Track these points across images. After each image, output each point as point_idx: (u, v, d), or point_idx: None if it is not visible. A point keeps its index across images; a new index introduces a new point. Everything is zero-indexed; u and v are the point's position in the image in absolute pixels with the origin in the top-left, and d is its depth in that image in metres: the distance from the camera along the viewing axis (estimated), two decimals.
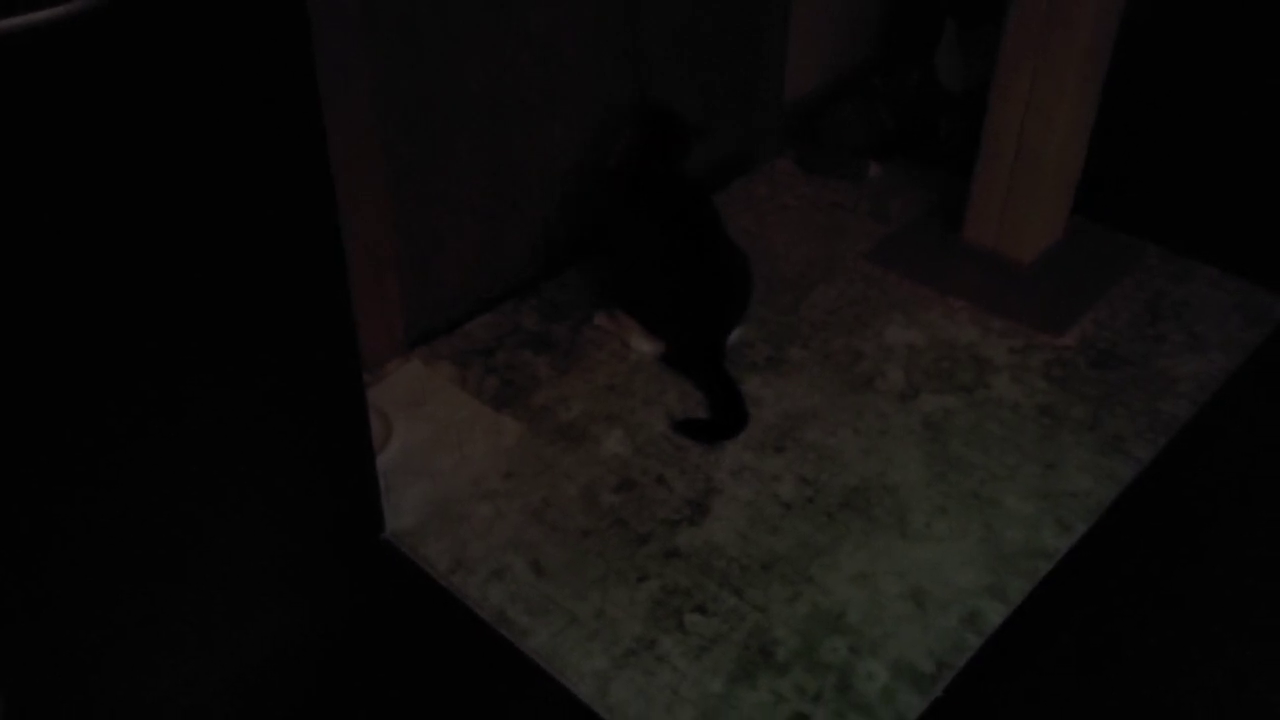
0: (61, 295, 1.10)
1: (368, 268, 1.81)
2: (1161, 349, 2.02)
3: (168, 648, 1.38)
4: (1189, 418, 1.88)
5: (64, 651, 1.27)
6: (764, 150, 2.51)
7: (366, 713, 1.47)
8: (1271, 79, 2.47)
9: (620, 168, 2.00)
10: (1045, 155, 2.05)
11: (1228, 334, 2.05)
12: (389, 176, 1.81)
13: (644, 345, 1.98)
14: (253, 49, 1.16)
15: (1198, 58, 2.47)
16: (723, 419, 1.86)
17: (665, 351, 1.96)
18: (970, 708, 1.47)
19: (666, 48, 2.18)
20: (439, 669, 1.52)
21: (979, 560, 1.64)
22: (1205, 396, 1.92)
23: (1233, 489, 1.78)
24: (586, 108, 2.09)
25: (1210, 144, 2.54)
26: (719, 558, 1.64)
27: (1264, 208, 2.39)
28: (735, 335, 1.99)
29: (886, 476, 1.77)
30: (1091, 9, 1.90)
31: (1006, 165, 2.10)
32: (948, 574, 1.62)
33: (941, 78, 2.45)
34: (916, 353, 2.01)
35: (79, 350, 1.14)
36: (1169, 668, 1.53)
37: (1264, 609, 1.60)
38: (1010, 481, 1.76)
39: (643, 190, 1.96)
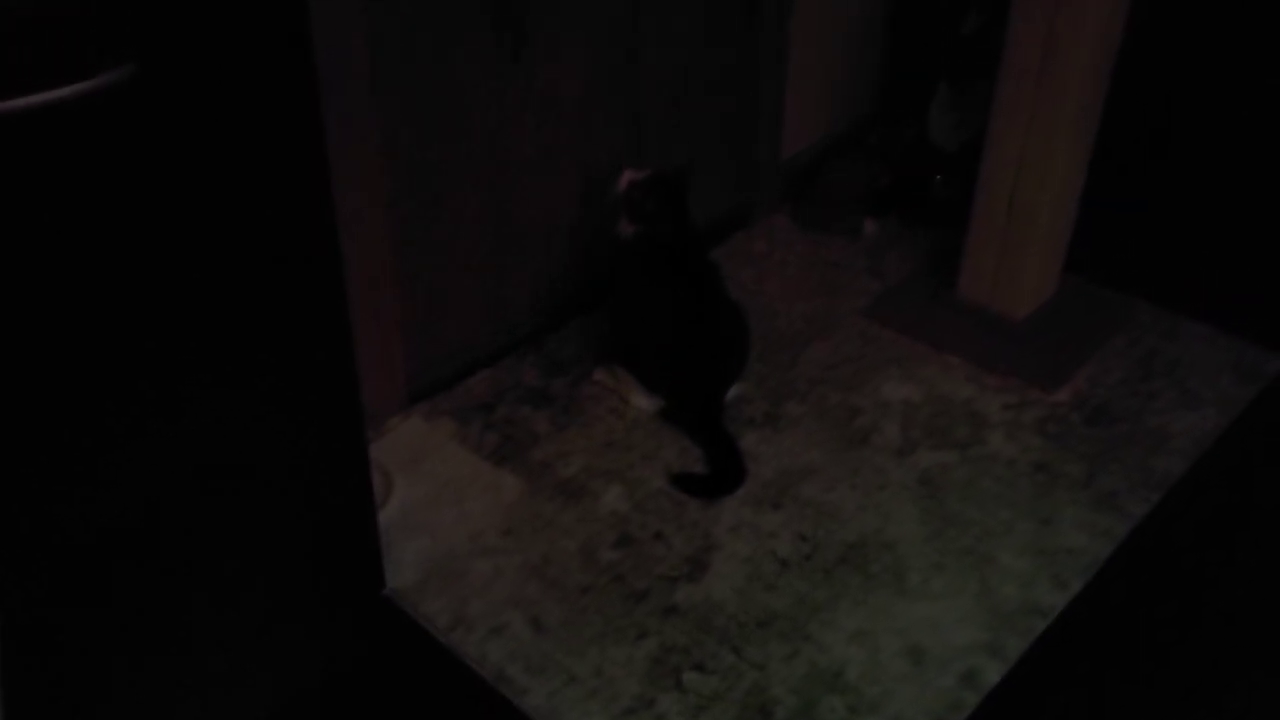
0: (68, 356, 1.12)
1: (370, 324, 1.84)
2: (1154, 405, 2.04)
3: (166, 700, 1.39)
4: (1182, 474, 1.89)
5: (57, 707, 1.28)
6: (762, 207, 2.54)
7: None
8: (1257, 137, 2.52)
9: (625, 230, 2.01)
10: (1037, 213, 2.08)
11: (1220, 391, 2.07)
12: (392, 231, 1.84)
13: (642, 401, 1.99)
14: (263, 109, 1.19)
15: (1185, 115, 2.52)
16: (721, 475, 1.87)
17: (664, 407, 1.98)
18: None
19: (665, 104, 2.22)
20: None
21: (976, 617, 1.65)
22: (1198, 453, 1.94)
23: (1226, 545, 1.80)
24: (586, 164, 2.12)
25: (1200, 202, 2.58)
26: (717, 615, 1.65)
27: (1254, 265, 2.42)
28: (733, 391, 2.00)
29: (884, 533, 1.78)
30: (1081, 70, 1.94)
31: (999, 223, 2.13)
32: (945, 631, 1.63)
33: (935, 136, 2.49)
34: (913, 408, 2.03)
35: (81, 408, 1.16)
36: None
37: (1257, 665, 1.60)
38: (1006, 538, 1.77)
39: (646, 249, 1.98)
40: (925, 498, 1.84)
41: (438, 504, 1.81)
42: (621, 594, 1.68)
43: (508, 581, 1.70)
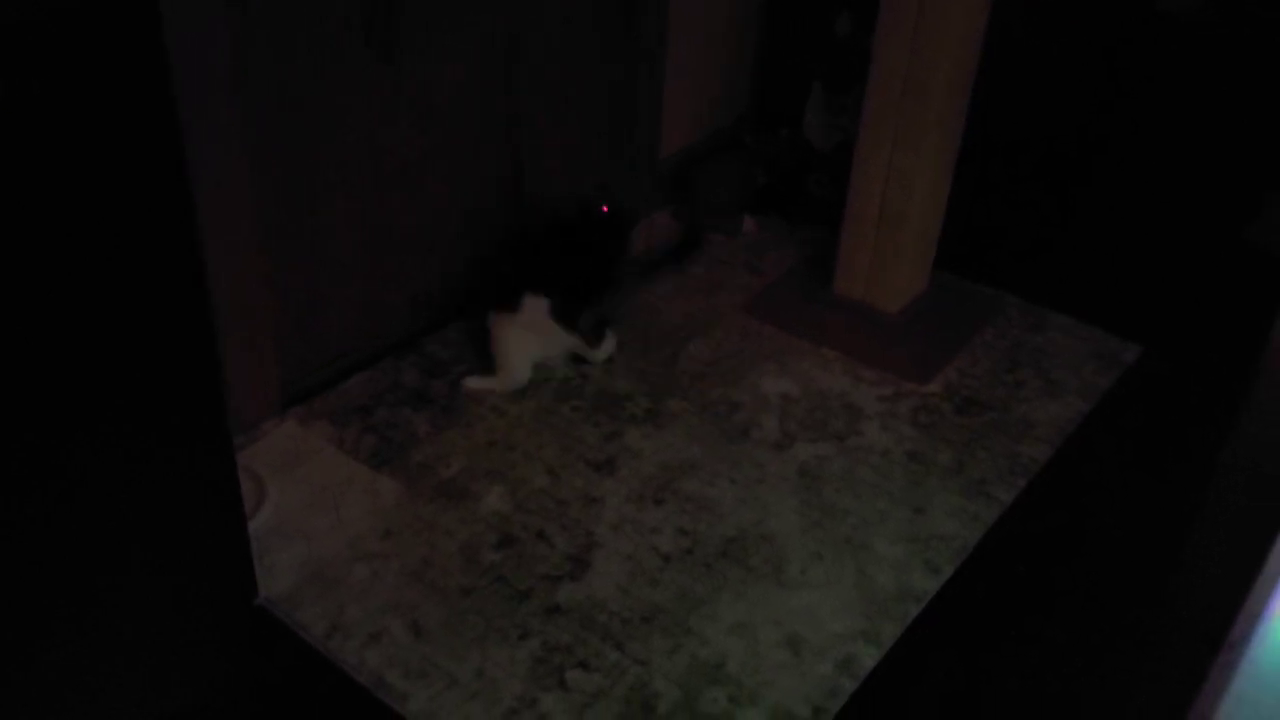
0: None
1: (241, 328, 1.79)
2: (1020, 394, 2.11)
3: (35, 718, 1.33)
4: (1047, 459, 1.97)
5: None
6: (642, 206, 2.56)
7: None
8: (1113, 143, 2.63)
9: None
10: (907, 213, 2.14)
11: (1082, 379, 2.16)
12: (263, 237, 1.79)
13: (516, 375, 2.02)
14: (113, 113, 1.15)
15: (1045, 122, 2.62)
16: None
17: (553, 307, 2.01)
18: None
19: (543, 106, 2.22)
20: None
21: (853, 605, 1.68)
22: (1061, 439, 2.01)
23: (1089, 527, 1.87)
24: (465, 168, 2.11)
25: (1062, 201, 2.69)
26: (600, 612, 1.65)
27: (1112, 259, 2.53)
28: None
29: (763, 525, 1.81)
30: (944, 78, 2.00)
31: (871, 223, 2.18)
32: (823, 620, 1.66)
33: (810, 137, 2.54)
34: (791, 402, 2.06)
35: None
36: (1030, 701, 1.59)
37: (1113, 645, 1.67)
38: (881, 526, 1.82)
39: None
40: (803, 489, 1.88)
41: (313, 509, 1.77)
42: (504, 595, 1.67)
43: (386, 586, 1.67)
